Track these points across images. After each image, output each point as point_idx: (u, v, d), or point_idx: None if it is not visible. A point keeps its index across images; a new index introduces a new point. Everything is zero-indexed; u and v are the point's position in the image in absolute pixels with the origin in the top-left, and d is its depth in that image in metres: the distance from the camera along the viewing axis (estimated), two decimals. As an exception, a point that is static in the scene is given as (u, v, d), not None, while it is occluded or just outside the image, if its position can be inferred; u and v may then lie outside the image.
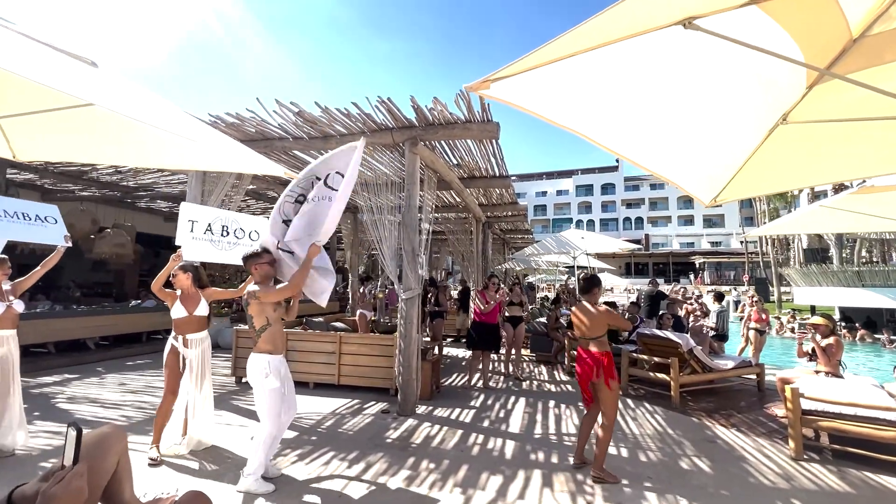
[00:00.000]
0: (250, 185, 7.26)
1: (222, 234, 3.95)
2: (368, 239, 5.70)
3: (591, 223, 55.31)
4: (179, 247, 3.72)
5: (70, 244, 3.93)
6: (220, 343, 8.59)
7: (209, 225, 3.86)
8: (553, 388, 6.16)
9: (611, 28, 1.40)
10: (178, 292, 3.60)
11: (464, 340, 8.69)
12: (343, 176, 3.07)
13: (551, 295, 17.62)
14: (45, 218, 3.93)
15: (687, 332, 6.34)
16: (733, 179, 2.48)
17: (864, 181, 3.20)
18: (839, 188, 16.84)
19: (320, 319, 7.46)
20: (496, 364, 7.36)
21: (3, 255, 3.50)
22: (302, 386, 5.63)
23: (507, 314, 6.68)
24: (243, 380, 5.95)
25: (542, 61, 1.47)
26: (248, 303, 3.07)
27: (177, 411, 3.58)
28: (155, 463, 3.29)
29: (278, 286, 3.11)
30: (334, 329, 6.74)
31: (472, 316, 6.41)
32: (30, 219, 3.84)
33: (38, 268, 3.68)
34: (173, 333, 3.57)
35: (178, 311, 3.55)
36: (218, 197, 5.54)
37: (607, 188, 57.16)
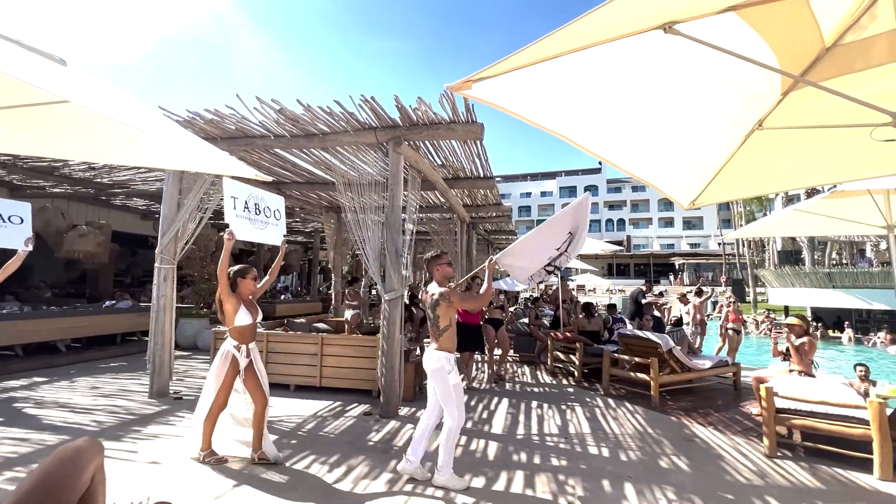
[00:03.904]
0: (230, 184, 7.11)
1: (255, 212, 3.65)
2: (352, 239, 5.63)
3: (574, 224, 55.73)
4: (227, 226, 3.37)
5: (31, 248, 3.61)
6: (199, 345, 8.41)
7: (245, 202, 3.56)
8: (536, 388, 6.20)
9: (593, 31, 1.41)
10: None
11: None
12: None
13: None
14: (10, 218, 3.63)
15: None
16: (711, 183, 2.53)
17: (835, 186, 3.30)
18: (812, 193, 17.42)
19: (302, 320, 7.35)
20: (480, 365, 7.36)
21: None
22: (282, 388, 5.54)
23: (487, 316, 6.70)
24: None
25: (524, 63, 1.46)
26: (437, 302, 3.15)
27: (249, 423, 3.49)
28: (221, 459, 3.34)
29: (470, 296, 3.21)
30: (317, 330, 6.65)
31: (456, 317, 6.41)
32: None
33: None
34: (234, 343, 3.31)
35: (244, 317, 3.29)
36: (196, 195, 5.40)
37: (590, 190, 57.71)
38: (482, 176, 7.04)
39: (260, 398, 3.38)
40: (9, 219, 3.60)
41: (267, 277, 3.77)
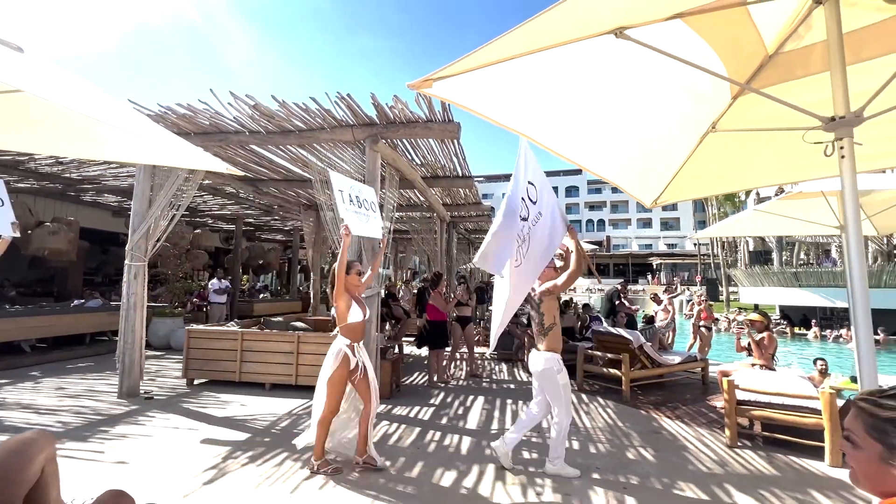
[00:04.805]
0: (206, 180, 7.01)
1: (358, 205, 3.43)
2: (331, 237, 5.63)
3: (555, 225, 56.52)
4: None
5: (18, 234, 3.14)
6: (173, 344, 8.23)
7: (350, 194, 3.35)
8: (512, 385, 6.28)
9: (548, 33, 1.47)
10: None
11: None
12: (534, 184, 2.97)
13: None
14: None
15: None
16: (672, 182, 2.63)
17: (793, 186, 3.45)
18: (781, 192, 18.06)
19: (279, 319, 7.27)
20: (458, 362, 7.42)
21: None
22: (257, 387, 5.50)
23: (456, 314, 6.76)
24: (195, 381, 5.73)
25: (483, 62, 1.51)
26: (541, 300, 3.20)
27: (353, 421, 3.42)
28: (337, 469, 3.23)
29: (564, 274, 3.18)
30: (294, 329, 6.59)
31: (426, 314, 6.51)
32: None
33: None
34: (347, 342, 3.18)
35: (356, 313, 3.19)
36: (168, 191, 5.30)
37: (571, 191, 58.76)
38: (461, 175, 7.10)
39: (369, 400, 3.30)
40: None
41: (369, 272, 3.62)
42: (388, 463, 3.38)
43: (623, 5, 1.42)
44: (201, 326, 6.29)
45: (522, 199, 2.79)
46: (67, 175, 8.26)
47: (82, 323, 7.96)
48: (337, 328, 3.27)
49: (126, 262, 5.17)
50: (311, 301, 9.94)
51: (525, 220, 2.75)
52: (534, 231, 2.81)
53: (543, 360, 3.21)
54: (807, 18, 1.58)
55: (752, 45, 1.70)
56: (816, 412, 3.67)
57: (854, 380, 4.84)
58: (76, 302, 8.64)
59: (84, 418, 4.28)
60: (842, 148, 1.40)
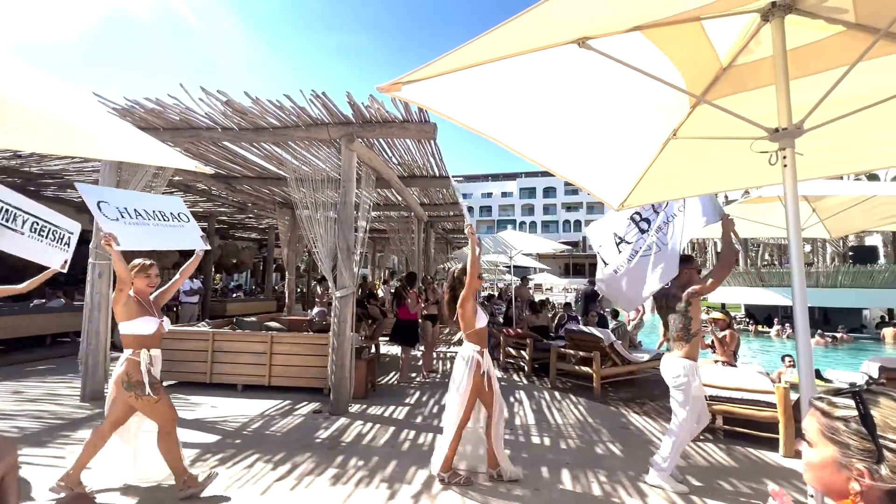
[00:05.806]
0: (176, 177, 6.83)
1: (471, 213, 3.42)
2: (306, 236, 5.58)
3: (533, 225, 57.43)
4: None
5: (209, 246, 3.27)
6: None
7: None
8: (487, 383, 6.36)
9: (514, 41, 1.51)
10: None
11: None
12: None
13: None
14: (179, 215, 3.23)
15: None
16: (637, 186, 2.73)
17: (749, 191, 3.61)
18: (747, 195, 18.75)
19: (253, 319, 7.15)
20: (436, 361, 7.45)
21: (151, 260, 2.97)
22: (229, 389, 5.40)
23: (425, 312, 6.82)
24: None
25: (452, 67, 1.55)
26: (688, 303, 3.10)
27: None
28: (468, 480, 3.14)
29: (711, 278, 3.17)
30: (267, 329, 6.49)
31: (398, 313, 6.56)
32: (166, 218, 3.17)
33: (178, 276, 3.23)
34: (477, 348, 3.15)
35: (482, 318, 3.20)
36: (136, 188, 5.14)
37: (549, 192, 59.59)
38: (437, 175, 7.13)
39: (493, 410, 3.23)
40: (179, 216, 3.30)
41: (470, 277, 3.30)
42: (522, 473, 3.27)
43: (585, 17, 1.48)
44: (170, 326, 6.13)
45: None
46: (27, 169, 7.89)
47: (43, 324, 7.64)
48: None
49: (90, 260, 5.00)
50: (287, 301, 9.78)
51: (657, 212, 3.58)
52: (674, 223, 3.48)
53: (680, 368, 3.09)
54: (756, 34, 1.67)
55: (707, 58, 1.79)
56: (772, 406, 3.87)
57: (818, 375, 5.10)
58: (36, 302, 8.28)
59: (43, 423, 4.13)
60: (784, 157, 1.50)
